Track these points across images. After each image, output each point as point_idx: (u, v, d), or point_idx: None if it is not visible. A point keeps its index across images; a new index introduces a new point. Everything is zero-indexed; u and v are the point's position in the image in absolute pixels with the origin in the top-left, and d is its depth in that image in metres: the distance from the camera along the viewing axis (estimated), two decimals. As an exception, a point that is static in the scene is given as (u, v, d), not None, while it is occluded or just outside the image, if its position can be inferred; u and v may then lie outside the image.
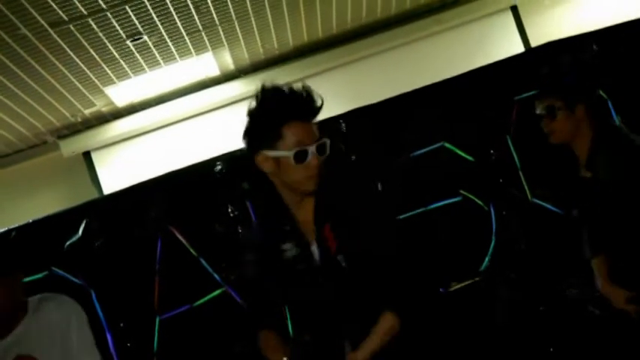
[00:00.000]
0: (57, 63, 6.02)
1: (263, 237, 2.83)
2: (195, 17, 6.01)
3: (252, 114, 2.68)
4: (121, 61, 6.36)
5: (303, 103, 2.64)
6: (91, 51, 6.01)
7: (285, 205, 2.75)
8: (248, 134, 2.70)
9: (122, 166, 7.47)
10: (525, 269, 4.29)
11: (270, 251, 2.78)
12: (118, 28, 5.75)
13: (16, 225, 4.38)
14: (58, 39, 5.61)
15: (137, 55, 6.37)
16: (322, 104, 2.68)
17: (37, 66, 5.94)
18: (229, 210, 4.41)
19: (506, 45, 7.80)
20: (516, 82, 4.47)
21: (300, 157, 2.60)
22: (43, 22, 5.25)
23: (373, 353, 2.66)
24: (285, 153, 2.60)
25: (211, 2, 5.85)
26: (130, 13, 5.59)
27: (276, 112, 2.61)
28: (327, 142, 2.68)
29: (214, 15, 6.10)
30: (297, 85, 2.70)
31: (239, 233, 4.32)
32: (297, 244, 2.74)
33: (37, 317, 3.37)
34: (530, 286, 4.28)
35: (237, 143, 3.67)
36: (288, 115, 2.61)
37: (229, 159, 4.37)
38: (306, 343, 2.82)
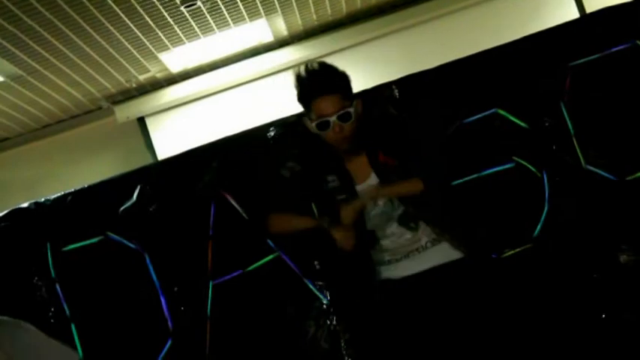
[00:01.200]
0: (112, 29, 6.10)
1: (310, 169, 3.57)
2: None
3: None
4: (175, 27, 6.43)
5: (323, 81, 3.34)
6: (146, 17, 6.08)
7: (335, 151, 3.45)
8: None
9: (176, 132, 7.56)
10: (578, 236, 4.25)
11: (314, 179, 3.52)
12: (171, -7, 5.78)
13: (72, 190, 4.47)
14: (113, 5, 5.69)
15: (191, 21, 6.43)
16: (344, 78, 3.41)
17: (92, 32, 6.03)
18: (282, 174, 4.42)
19: (562, 12, 7.68)
20: (571, 48, 4.39)
21: (323, 126, 3.35)
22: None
23: (395, 193, 3.42)
24: (312, 124, 3.40)
25: (264, -32, 5.85)
26: (184, -21, 5.61)
27: (303, 92, 3.40)
28: (351, 110, 3.35)
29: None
30: (321, 64, 3.42)
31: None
32: (341, 178, 3.45)
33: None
34: (584, 253, 4.24)
35: (290, 109, 3.74)
36: (313, 93, 3.35)
37: (282, 125, 4.38)
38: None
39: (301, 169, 3.68)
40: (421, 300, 3.48)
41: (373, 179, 3.48)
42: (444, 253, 3.54)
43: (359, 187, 3.52)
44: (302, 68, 3.41)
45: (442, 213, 3.62)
